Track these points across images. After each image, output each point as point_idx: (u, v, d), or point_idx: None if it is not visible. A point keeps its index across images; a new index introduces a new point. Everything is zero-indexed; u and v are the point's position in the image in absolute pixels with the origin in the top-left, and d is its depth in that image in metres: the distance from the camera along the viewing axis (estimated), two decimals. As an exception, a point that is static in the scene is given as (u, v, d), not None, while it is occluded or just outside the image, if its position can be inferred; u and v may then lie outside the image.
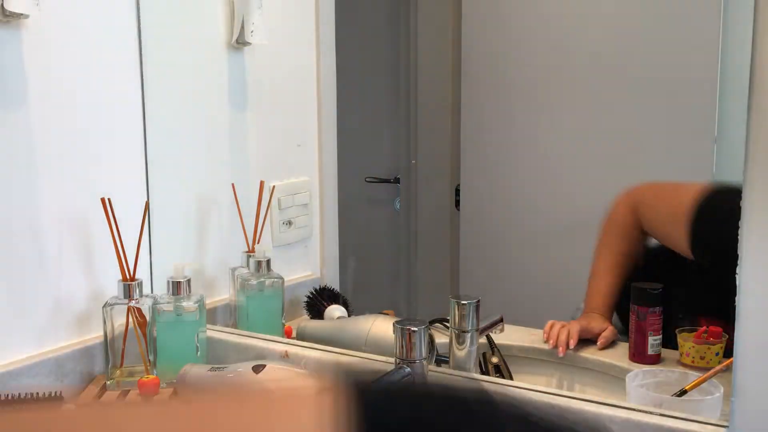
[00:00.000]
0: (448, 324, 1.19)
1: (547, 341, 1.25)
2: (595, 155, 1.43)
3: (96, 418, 0.51)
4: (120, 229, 1.22)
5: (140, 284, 1.22)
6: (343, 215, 1.65)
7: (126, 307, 1.21)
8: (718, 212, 1.12)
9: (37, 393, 1.03)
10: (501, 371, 1.18)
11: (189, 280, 1.25)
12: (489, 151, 1.60)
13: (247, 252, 1.42)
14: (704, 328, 1.15)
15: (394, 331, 0.99)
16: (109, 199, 1.21)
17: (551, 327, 1.25)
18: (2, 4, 1.08)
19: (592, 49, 1.41)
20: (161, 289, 1.30)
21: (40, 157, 1.18)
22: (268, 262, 1.37)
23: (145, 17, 1.32)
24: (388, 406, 0.55)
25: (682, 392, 1.03)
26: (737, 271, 0.88)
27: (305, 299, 1.46)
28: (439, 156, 1.64)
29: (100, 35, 1.27)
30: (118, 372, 1.22)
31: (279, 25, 1.51)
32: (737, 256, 0.87)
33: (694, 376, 1.06)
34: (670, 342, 1.17)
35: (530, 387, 1.04)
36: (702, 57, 1.30)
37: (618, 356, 1.22)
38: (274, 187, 1.50)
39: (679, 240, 1.17)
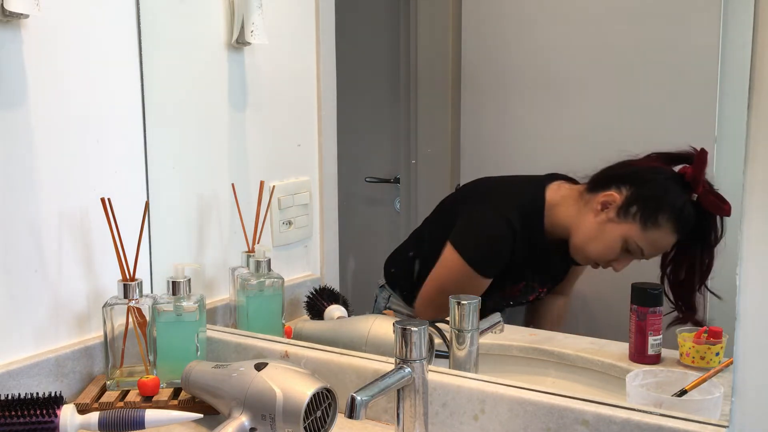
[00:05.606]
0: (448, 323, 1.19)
1: None
2: (595, 155, 1.43)
3: None
4: (120, 229, 1.22)
5: (140, 284, 1.22)
6: (343, 215, 1.65)
7: (126, 307, 1.21)
8: None
9: (37, 393, 1.03)
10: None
11: (189, 280, 1.25)
12: (489, 151, 1.59)
13: (247, 252, 1.42)
14: (704, 328, 1.16)
15: (394, 331, 0.99)
16: (109, 199, 1.21)
17: None
18: (2, 4, 1.08)
19: (591, 49, 1.41)
20: (161, 289, 1.30)
21: (40, 156, 1.18)
22: (268, 262, 1.37)
23: (145, 17, 1.33)
24: None
25: (682, 392, 1.03)
26: (737, 271, 0.88)
27: (305, 299, 1.46)
28: (439, 156, 1.64)
29: (100, 35, 1.27)
30: (118, 372, 1.22)
31: (279, 25, 1.51)
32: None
33: (694, 376, 1.06)
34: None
35: (530, 387, 1.04)
36: (702, 57, 1.30)
37: (618, 356, 1.22)
38: (274, 187, 1.50)
39: None
